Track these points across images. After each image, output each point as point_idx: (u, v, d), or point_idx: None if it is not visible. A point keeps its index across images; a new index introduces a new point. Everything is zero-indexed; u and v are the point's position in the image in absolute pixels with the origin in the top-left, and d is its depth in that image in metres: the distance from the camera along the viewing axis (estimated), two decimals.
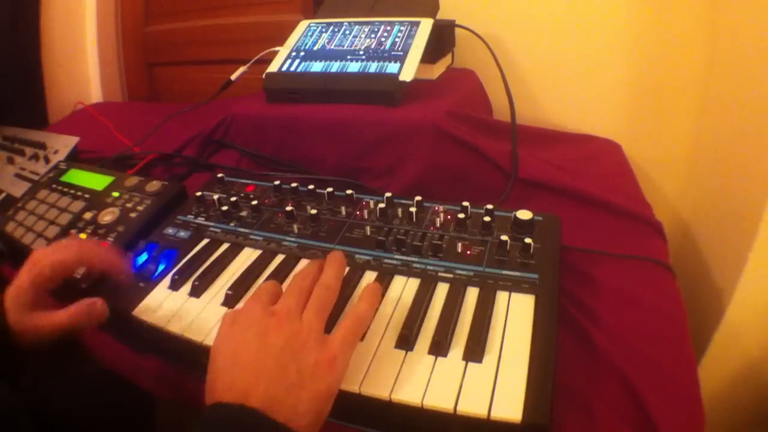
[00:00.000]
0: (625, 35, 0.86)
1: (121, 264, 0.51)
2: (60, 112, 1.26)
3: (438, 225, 0.56)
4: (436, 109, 0.72)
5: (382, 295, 0.48)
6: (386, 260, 0.53)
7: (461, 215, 0.56)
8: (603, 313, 0.50)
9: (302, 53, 0.84)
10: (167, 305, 0.50)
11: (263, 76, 0.82)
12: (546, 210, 0.56)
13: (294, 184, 0.65)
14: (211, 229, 0.61)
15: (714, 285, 0.71)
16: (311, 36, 0.87)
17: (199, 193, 0.65)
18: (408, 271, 0.51)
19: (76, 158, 0.89)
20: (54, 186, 0.75)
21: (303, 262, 0.54)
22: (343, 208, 0.60)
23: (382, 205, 0.58)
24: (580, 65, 0.92)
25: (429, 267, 0.51)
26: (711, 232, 0.79)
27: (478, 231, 0.54)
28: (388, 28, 0.83)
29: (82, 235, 0.63)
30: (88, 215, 0.66)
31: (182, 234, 0.61)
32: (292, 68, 0.82)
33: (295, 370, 0.35)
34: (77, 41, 1.31)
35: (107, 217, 0.65)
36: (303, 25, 0.90)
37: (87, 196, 0.70)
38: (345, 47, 0.82)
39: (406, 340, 0.43)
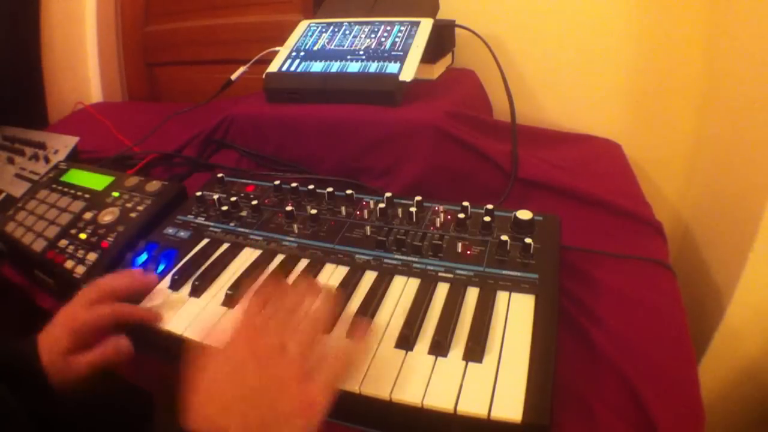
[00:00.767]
0: (625, 36, 0.86)
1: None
2: (60, 112, 1.26)
3: (438, 225, 0.56)
4: (436, 109, 0.72)
5: (382, 295, 0.48)
6: (386, 260, 0.53)
7: (461, 215, 0.56)
8: (603, 313, 0.50)
9: (302, 53, 0.84)
10: (167, 305, 0.50)
11: (263, 76, 0.82)
12: (546, 210, 0.56)
13: (294, 184, 0.65)
14: (211, 229, 0.61)
15: (714, 285, 0.71)
16: (311, 36, 0.87)
17: (199, 193, 0.65)
18: (408, 271, 0.51)
19: (76, 158, 0.89)
20: (54, 186, 0.75)
21: (303, 262, 0.54)
22: (343, 208, 0.60)
23: (382, 205, 0.59)
24: (580, 65, 0.92)
25: (429, 267, 0.51)
26: (711, 232, 0.79)
27: (478, 231, 0.54)
28: (388, 28, 0.83)
29: (82, 236, 0.63)
30: (88, 215, 0.66)
31: (182, 234, 0.61)
32: (292, 68, 0.82)
33: (271, 416, 0.35)
34: (77, 41, 1.31)
35: (107, 217, 0.65)
36: (303, 25, 0.90)
37: (87, 196, 0.70)
38: (345, 47, 0.82)
39: (406, 340, 0.43)
